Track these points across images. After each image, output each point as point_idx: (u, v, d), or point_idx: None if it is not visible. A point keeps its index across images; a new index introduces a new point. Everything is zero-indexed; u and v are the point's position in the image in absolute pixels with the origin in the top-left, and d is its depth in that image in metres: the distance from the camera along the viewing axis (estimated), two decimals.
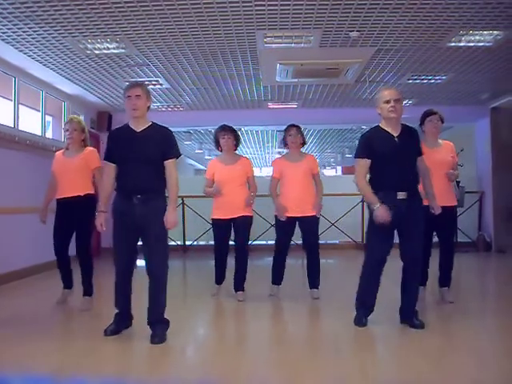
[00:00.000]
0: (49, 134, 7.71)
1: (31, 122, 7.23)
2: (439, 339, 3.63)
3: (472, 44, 5.69)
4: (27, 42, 5.44)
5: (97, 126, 9.03)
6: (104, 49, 5.72)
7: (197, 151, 14.75)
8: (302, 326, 4.31)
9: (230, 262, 5.07)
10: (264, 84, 7.53)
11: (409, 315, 3.82)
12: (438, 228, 4.48)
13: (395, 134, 3.79)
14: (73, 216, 4.54)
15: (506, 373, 2.93)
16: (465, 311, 4.38)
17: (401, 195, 3.71)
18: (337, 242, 9.56)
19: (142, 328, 3.63)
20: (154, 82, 7.20)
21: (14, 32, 5.13)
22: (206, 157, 16.02)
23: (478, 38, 5.48)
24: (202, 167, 19.48)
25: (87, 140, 4.78)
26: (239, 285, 5.01)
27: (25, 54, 5.86)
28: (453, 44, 5.69)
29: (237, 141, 5.11)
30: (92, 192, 4.67)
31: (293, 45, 5.72)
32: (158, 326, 3.55)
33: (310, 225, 4.92)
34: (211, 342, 3.83)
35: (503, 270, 7.51)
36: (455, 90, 7.98)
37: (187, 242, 9.45)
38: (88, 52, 5.83)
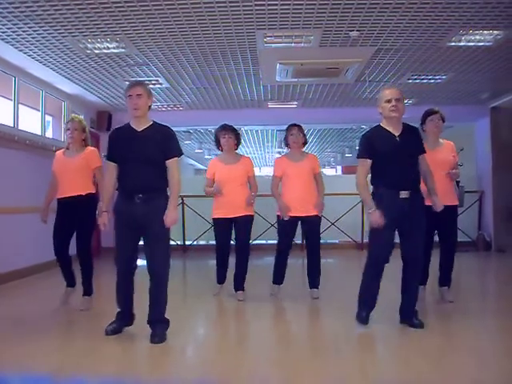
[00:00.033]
0: (49, 134, 7.71)
1: (31, 122, 7.22)
2: (439, 339, 3.63)
3: (472, 44, 5.69)
4: (27, 41, 5.44)
5: (97, 125, 9.02)
6: (104, 48, 5.72)
7: (197, 151, 14.75)
8: (302, 326, 4.31)
9: (231, 261, 5.07)
10: (264, 84, 7.53)
11: (409, 315, 3.82)
12: (439, 227, 4.48)
13: (396, 134, 3.79)
14: (74, 216, 4.53)
15: (506, 373, 2.93)
16: (465, 311, 4.38)
17: (403, 194, 3.71)
18: (337, 241, 9.56)
19: (142, 327, 3.63)
20: (153, 82, 7.20)
21: (13, 31, 5.13)
22: (206, 156, 16.02)
23: (478, 37, 5.48)
24: (201, 167, 19.47)
25: (88, 140, 4.77)
26: (239, 284, 5.01)
27: (25, 53, 5.86)
28: (453, 44, 5.70)
29: (237, 140, 5.11)
30: (93, 191, 4.67)
31: (293, 44, 5.72)
32: (158, 326, 3.55)
33: (312, 224, 4.92)
34: (211, 342, 3.83)
35: (503, 269, 7.51)
36: (455, 90, 7.98)
37: (187, 242, 9.45)
38: (88, 52, 5.83)
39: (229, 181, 4.91)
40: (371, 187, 3.89)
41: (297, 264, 6.91)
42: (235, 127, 5.15)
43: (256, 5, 4.62)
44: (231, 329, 4.34)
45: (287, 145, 5.08)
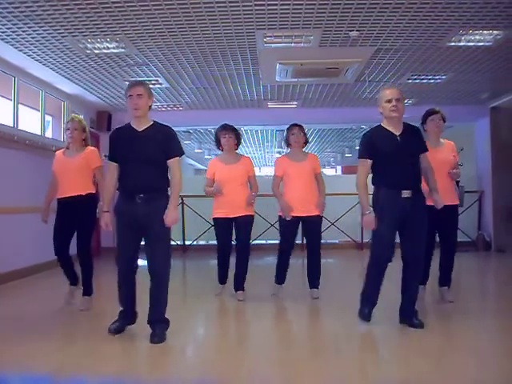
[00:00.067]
0: (48, 134, 7.71)
1: (31, 122, 7.22)
2: (439, 339, 3.63)
3: (472, 44, 5.69)
4: (27, 41, 5.44)
5: (96, 125, 9.02)
6: (104, 48, 5.72)
7: (196, 151, 14.75)
8: (302, 326, 4.31)
9: (231, 261, 5.07)
10: (264, 84, 7.53)
11: (408, 315, 3.82)
12: (439, 227, 4.47)
13: (397, 133, 3.79)
14: (74, 216, 4.53)
15: (506, 373, 2.93)
16: (465, 311, 4.38)
17: (405, 194, 3.71)
18: (336, 241, 9.57)
19: (142, 327, 3.63)
20: (153, 82, 7.19)
21: (13, 32, 5.13)
22: (206, 156, 16.03)
23: (477, 37, 5.48)
24: (201, 167, 19.47)
25: (88, 139, 4.77)
26: (239, 284, 5.01)
27: (24, 53, 5.86)
28: (452, 43, 5.70)
29: (238, 140, 5.10)
30: (93, 191, 4.67)
31: (292, 44, 5.72)
32: (158, 326, 3.55)
33: (313, 224, 4.92)
34: (211, 342, 3.83)
35: (503, 269, 7.52)
36: (455, 90, 7.98)
37: (187, 242, 9.45)
38: (88, 52, 5.83)
39: (229, 181, 4.91)
40: (372, 187, 3.90)
41: (297, 264, 6.90)
42: (235, 127, 5.15)
43: (256, 5, 4.62)
44: (231, 329, 4.34)
45: (288, 144, 5.08)
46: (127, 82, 6.93)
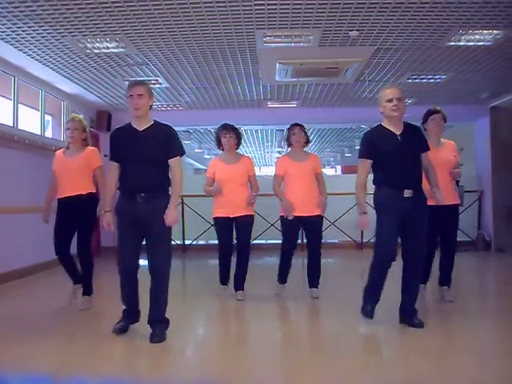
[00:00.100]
0: (48, 134, 7.71)
1: (30, 121, 7.22)
2: (439, 339, 3.63)
3: (471, 43, 5.69)
4: (26, 41, 5.44)
5: (96, 125, 9.01)
6: (103, 48, 5.72)
7: (196, 150, 14.76)
8: (303, 326, 4.31)
9: (231, 261, 5.07)
10: (263, 83, 7.53)
11: (409, 314, 3.82)
12: (440, 226, 4.46)
13: (398, 133, 3.79)
14: (74, 215, 4.52)
15: (506, 373, 2.93)
16: (464, 310, 4.38)
17: (406, 193, 3.71)
18: (336, 241, 9.57)
19: (142, 327, 3.63)
20: (153, 82, 7.19)
21: (13, 31, 5.13)
22: (206, 156, 16.03)
23: (477, 37, 5.48)
24: (201, 166, 19.48)
25: (88, 139, 4.76)
26: (239, 284, 5.00)
27: (24, 53, 5.86)
28: (452, 43, 5.70)
29: (238, 140, 5.10)
30: (94, 191, 4.66)
31: (292, 44, 5.72)
32: (158, 325, 3.55)
33: (315, 224, 4.91)
34: (211, 342, 3.83)
35: (503, 269, 7.52)
36: (455, 90, 7.98)
37: (186, 242, 9.46)
38: (87, 51, 5.82)
39: (229, 180, 4.91)
40: (373, 187, 3.89)
41: (297, 264, 6.86)
42: (236, 127, 5.15)
43: (255, 4, 4.61)
44: (231, 328, 4.34)
45: (289, 144, 5.07)
46: (127, 82, 6.94)
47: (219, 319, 4.62)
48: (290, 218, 4.81)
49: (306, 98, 8.53)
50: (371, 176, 3.91)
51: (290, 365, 3.16)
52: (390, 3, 4.60)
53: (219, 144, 5.11)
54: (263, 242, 9.04)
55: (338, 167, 21.48)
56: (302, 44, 5.72)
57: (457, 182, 4.84)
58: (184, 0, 4.47)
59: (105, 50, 5.80)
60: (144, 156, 3.50)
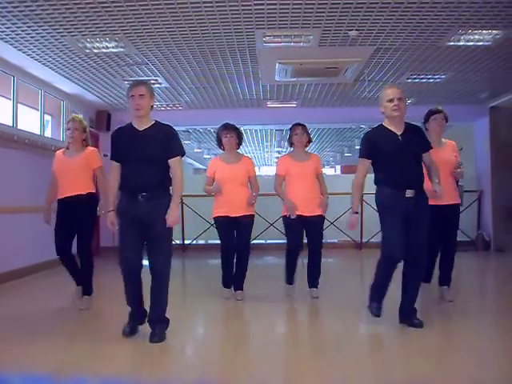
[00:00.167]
0: (48, 133, 7.70)
1: (30, 121, 7.22)
2: (439, 338, 3.64)
3: (471, 43, 5.69)
4: (26, 40, 5.43)
5: (96, 125, 9.01)
6: (103, 48, 5.72)
7: (196, 150, 14.75)
8: (303, 326, 4.31)
9: None
10: (263, 83, 7.52)
11: (408, 314, 3.82)
12: (441, 226, 4.46)
13: (399, 133, 3.79)
14: (75, 215, 4.51)
15: (506, 373, 2.94)
16: (464, 310, 4.39)
17: (408, 193, 3.71)
18: (336, 241, 9.56)
19: (142, 327, 3.64)
20: (152, 81, 7.18)
21: (12, 31, 5.12)
22: (205, 156, 16.02)
23: (477, 37, 5.48)
24: (201, 166, 19.47)
25: (88, 139, 4.76)
26: (239, 284, 5.00)
27: (24, 53, 5.85)
28: (452, 43, 5.70)
29: (239, 139, 5.09)
30: (94, 191, 4.66)
31: (292, 44, 5.72)
32: (158, 325, 3.55)
33: (316, 224, 4.90)
34: (211, 342, 3.83)
35: (502, 268, 7.52)
36: (454, 89, 7.98)
37: (186, 241, 9.45)
38: (87, 51, 5.82)
39: (229, 180, 4.90)
40: (374, 187, 3.89)
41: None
42: (237, 126, 5.14)
43: (255, 4, 4.61)
44: (231, 328, 4.33)
45: (291, 144, 5.06)
46: (127, 82, 6.95)
47: (219, 319, 4.61)
48: (292, 217, 4.81)
49: (305, 97, 8.52)
50: (371, 176, 3.90)
51: (290, 365, 3.16)
52: (390, 3, 4.60)
53: (220, 144, 5.10)
54: (263, 241, 9.04)
55: (338, 167, 21.48)
56: (301, 44, 5.72)
57: (456, 181, 4.85)
58: (184, 0, 4.47)
59: (104, 50, 5.80)
60: (145, 156, 3.49)
